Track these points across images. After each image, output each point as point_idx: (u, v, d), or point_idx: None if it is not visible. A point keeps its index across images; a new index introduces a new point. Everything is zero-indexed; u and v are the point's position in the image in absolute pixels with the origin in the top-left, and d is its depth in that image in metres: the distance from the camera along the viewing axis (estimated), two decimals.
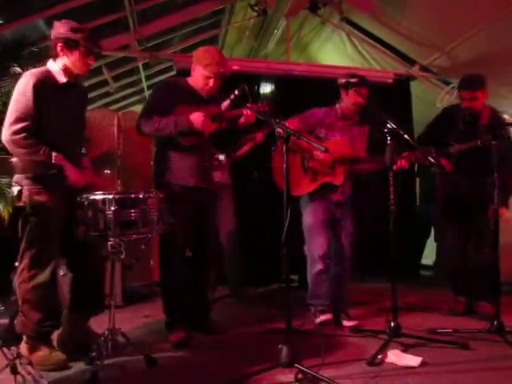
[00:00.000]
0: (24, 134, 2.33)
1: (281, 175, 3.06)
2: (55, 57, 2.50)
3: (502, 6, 3.92)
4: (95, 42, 2.51)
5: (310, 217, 3.24)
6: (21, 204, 2.40)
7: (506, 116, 4.06)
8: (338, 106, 3.27)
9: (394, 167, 2.81)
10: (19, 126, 2.33)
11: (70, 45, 2.43)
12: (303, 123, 3.19)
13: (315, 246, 3.19)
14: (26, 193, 2.39)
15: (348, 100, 3.17)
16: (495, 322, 2.82)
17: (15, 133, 2.33)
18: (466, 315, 3.44)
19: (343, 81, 3.13)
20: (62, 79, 2.49)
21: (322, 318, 3.16)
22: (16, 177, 2.44)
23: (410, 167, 5.35)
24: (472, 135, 3.31)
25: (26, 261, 2.38)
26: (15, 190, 2.42)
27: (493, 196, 2.91)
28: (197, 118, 2.72)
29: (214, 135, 2.88)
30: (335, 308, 3.26)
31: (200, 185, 2.89)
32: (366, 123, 3.31)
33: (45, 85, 2.40)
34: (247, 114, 2.79)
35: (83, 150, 2.75)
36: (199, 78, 2.84)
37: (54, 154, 2.36)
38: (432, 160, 2.87)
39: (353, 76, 3.17)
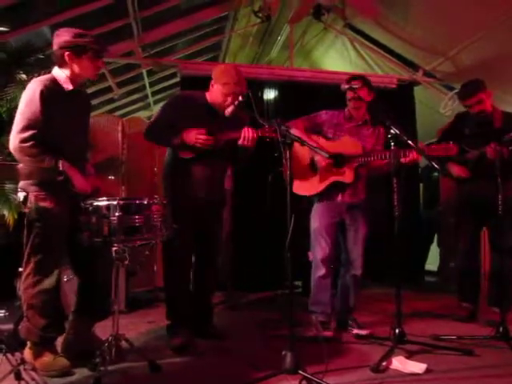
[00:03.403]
0: (32, 143, 2.32)
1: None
2: (61, 65, 2.49)
3: (506, 10, 3.93)
4: (102, 44, 2.53)
5: (316, 219, 3.20)
6: (26, 210, 2.41)
7: None
8: (346, 108, 3.29)
9: (406, 160, 2.87)
10: (27, 134, 2.33)
11: (78, 51, 2.44)
12: (308, 122, 3.26)
13: (318, 250, 3.15)
14: (31, 198, 2.39)
15: (348, 101, 3.21)
16: (501, 329, 2.80)
17: (23, 141, 2.33)
18: (471, 321, 3.42)
19: (345, 86, 3.11)
20: (69, 86, 2.50)
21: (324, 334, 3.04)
22: (22, 183, 2.44)
23: (414, 172, 5.46)
24: (486, 139, 3.27)
25: (31, 266, 2.38)
26: (21, 195, 2.43)
27: (504, 200, 2.92)
28: (189, 134, 2.79)
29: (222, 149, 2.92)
30: (339, 317, 3.22)
31: (206, 196, 2.91)
32: (380, 124, 3.26)
33: (52, 92, 2.41)
34: (249, 135, 2.82)
35: (87, 156, 2.77)
36: (218, 94, 2.88)
37: (61, 161, 2.37)
38: (436, 166, 2.86)
39: (352, 78, 3.17)
